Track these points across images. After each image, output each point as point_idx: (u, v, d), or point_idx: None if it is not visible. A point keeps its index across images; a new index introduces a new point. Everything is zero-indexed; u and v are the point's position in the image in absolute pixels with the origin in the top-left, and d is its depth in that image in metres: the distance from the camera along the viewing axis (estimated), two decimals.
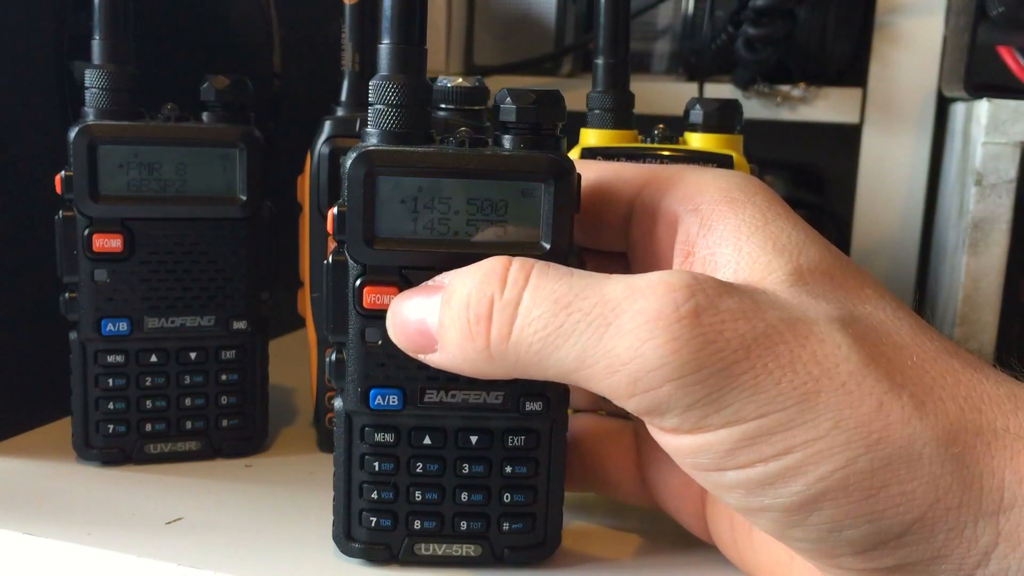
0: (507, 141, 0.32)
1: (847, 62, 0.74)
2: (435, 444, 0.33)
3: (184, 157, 0.43)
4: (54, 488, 0.41)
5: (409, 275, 0.31)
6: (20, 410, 0.47)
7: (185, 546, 0.36)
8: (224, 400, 0.45)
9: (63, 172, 0.41)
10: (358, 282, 0.31)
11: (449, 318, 0.28)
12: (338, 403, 0.33)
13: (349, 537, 0.34)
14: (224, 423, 0.45)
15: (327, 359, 0.33)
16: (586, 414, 0.39)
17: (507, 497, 0.33)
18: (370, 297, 0.31)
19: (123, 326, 0.43)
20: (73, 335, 0.43)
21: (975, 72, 0.58)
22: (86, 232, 0.42)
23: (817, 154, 0.82)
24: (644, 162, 0.40)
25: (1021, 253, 0.56)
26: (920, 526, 0.24)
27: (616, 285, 0.26)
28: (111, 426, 0.44)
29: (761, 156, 0.56)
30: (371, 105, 0.31)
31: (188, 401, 0.45)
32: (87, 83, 0.42)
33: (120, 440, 0.44)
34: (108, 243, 0.42)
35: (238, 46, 0.60)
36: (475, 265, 0.29)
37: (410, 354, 0.30)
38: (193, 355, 0.44)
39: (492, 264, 0.28)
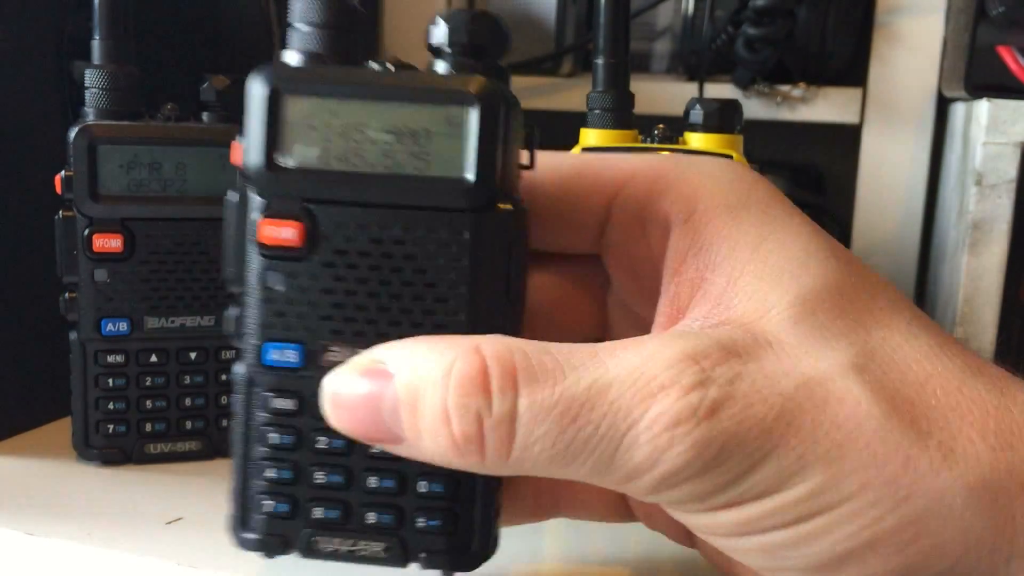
0: (439, 68, 0.27)
1: (847, 62, 0.74)
2: None
3: (184, 157, 0.43)
4: (54, 488, 0.41)
5: (316, 210, 0.27)
6: (20, 410, 0.47)
7: (185, 546, 0.36)
8: (224, 400, 0.45)
9: (63, 172, 0.41)
10: (258, 215, 0.27)
11: (424, 428, 0.25)
12: (236, 366, 0.29)
13: (245, 526, 0.29)
14: (224, 423, 0.45)
15: (225, 314, 0.29)
16: None
17: (423, 486, 0.28)
18: (269, 230, 0.27)
19: (123, 326, 0.43)
20: (73, 335, 0.43)
21: (975, 72, 0.58)
22: (86, 232, 0.42)
23: (817, 154, 0.82)
24: None
25: (1021, 253, 0.56)
26: (951, 574, 0.24)
27: (621, 387, 0.24)
28: (111, 426, 0.44)
29: (761, 156, 0.56)
30: (289, 25, 0.28)
31: (188, 401, 0.45)
32: (87, 83, 0.42)
33: (120, 440, 0.44)
34: (108, 243, 0.42)
35: (238, 46, 0.60)
36: (433, 355, 0.25)
37: (366, 442, 0.27)
38: (193, 355, 0.44)
39: (463, 368, 0.24)
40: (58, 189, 0.41)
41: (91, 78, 0.42)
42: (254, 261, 0.27)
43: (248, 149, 0.27)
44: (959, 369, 0.26)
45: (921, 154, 0.72)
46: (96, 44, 0.42)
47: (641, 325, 0.31)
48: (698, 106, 0.42)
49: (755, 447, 0.24)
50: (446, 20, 0.27)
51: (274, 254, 0.27)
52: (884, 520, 0.24)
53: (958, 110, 0.65)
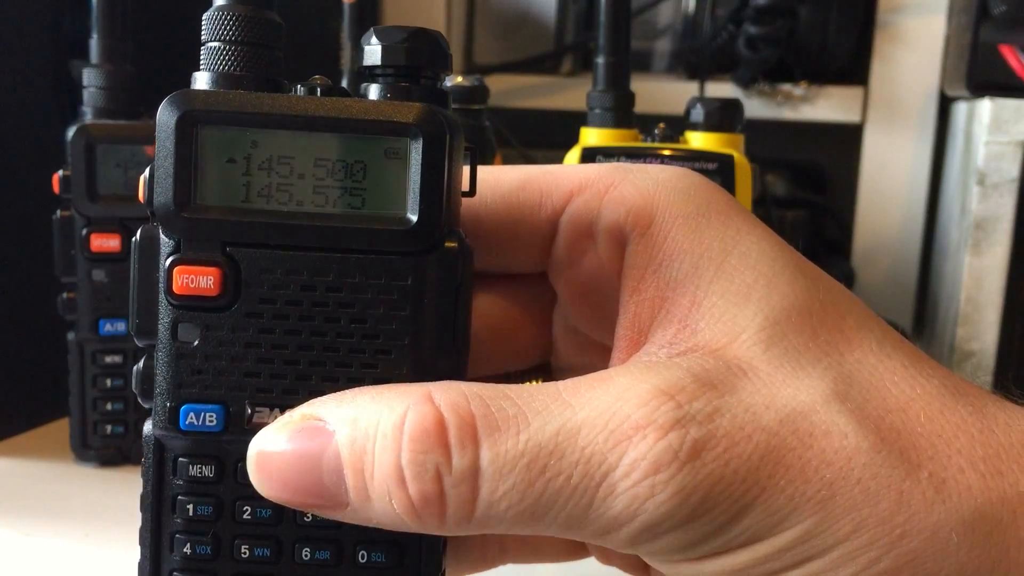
0: (373, 92, 0.25)
1: (849, 61, 0.73)
2: None
3: None
4: (52, 489, 0.41)
5: (237, 255, 0.24)
6: (17, 411, 0.47)
7: None
8: None
9: (61, 171, 0.41)
10: (169, 261, 0.24)
11: (374, 490, 0.23)
12: (147, 427, 0.25)
13: None
14: None
15: (134, 369, 0.25)
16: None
17: (362, 555, 0.25)
18: (183, 279, 0.24)
19: (121, 326, 0.43)
20: (71, 335, 0.43)
21: (977, 71, 0.58)
22: (84, 232, 0.42)
23: (819, 153, 0.82)
24: (644, 161, 0.40)
25: None
26: None
27: (592, 430, 0.22)
28: (109, 427, 0.43)
29: (763, 155, 0.56)
30: (203, 44, 0.25)
31: None
32: (85, 82, 0.42)
33: (118, 441, 0.44)
34: (106, 243, 0.42)
35: None
36: (380, 407, 0.23)
37: (301, 509, 0.24)
38: None
39: (417, 420, 0.22)
40: (56, 189, 0.41)
41: (89, 77, 0.42)
42: (166, 312, 0.24)
43: (156, 186, 0.24)
44: (937, 391, 0.24)
45: (923, 153, 0.72)
46: (94, 43, 0.42)
47: (589, 347, 0.29)
48: (699, 105, 0.41)
49: (743, 490, 0.23)
50: (380, 38, 0.24)
51: (189, 304, 0.24)
52: (879, 562, 0.23)
53: (960, 109, 0.65)
